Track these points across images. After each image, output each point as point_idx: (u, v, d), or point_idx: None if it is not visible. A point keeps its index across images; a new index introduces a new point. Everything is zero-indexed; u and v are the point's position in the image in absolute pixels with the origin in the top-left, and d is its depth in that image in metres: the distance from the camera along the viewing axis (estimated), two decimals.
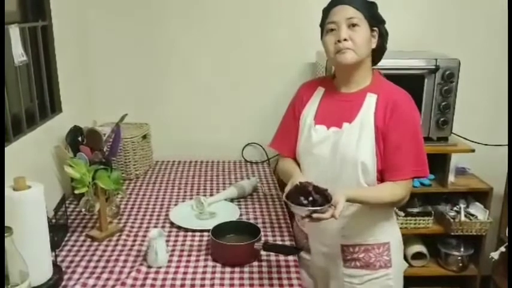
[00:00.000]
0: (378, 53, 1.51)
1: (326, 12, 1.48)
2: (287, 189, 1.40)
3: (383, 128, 1.44)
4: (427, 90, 2.16)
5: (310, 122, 1.54)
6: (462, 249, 2.42)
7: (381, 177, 1.47)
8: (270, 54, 2.44)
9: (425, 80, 2.15)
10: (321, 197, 1.33)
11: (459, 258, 2.41)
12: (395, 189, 1.45)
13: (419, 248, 2.44)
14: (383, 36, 1.49)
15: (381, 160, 1.44)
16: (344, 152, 1.46)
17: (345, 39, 1.41)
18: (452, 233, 2.31)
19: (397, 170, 1.44)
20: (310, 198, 1.32)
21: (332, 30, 1.44)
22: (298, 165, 1.60)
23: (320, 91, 1.58)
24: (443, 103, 2.16)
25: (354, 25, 1.41)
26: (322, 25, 1.50)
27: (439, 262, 2.46)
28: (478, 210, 2.33)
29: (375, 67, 1.54)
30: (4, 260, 1.13)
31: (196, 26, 2.40)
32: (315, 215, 1.30)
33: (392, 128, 1.43)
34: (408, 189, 1.47)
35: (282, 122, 1.68)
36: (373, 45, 1.47)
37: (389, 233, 1.57)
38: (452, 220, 2.29)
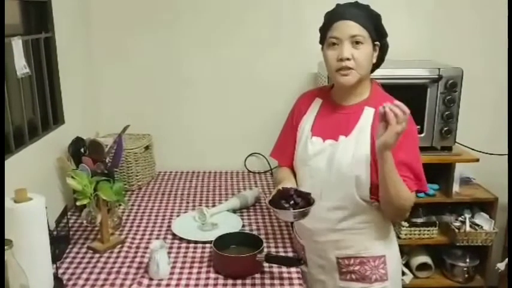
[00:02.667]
0: (375, 66, 1.50)
1: (329, 23, 1.44)
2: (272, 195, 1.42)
3: None
4: (430, 99, 2.15)
5: (307, 134, 1.54)
6: (468, 260, 2.40)
7: (376, 192, 1.43)
8: (273, 64, 2.44)
9: (428, 90, 2.14)
10: (302, 200, 1.35)
11: (465, 269, 2.39)
12: (408, 192, 1.40)
13: (424, 258, 2.42)
14: (384, 50, 1.48)
15: (376, 174, 1.40)
16: (339, 165, 1.45)
17: (348, 59, 1.39)
18: (458, 244, 2.29)
19: None
20: (292, 202, 1.35)
21: (334, 44, 1.42)
22: (295, 174, 1.60)
23: (318, 102, 1.58)
24: (447, 112, 2.15)
25: (357, 42, 1.39)
26: (323, 34, 1.47)
27: (445, 273, 2.44)
28: (483, 220, 2.31)
29: (373, 76, 1.53)
30: (4, 270, 1.12)
31: (199, 37, 2.41)
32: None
33: None
34: (413, 201, 1.43)
35: (281, 132, 1.68)
36: (374, 60, 1.46)
37: (385, 246, 1.55)
38: (457, 230, 2.27)
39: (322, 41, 1.48)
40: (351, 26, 1.39)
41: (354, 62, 1.39)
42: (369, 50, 1.42)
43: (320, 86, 2.16)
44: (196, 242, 1.72)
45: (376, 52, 1.45)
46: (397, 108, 1.24)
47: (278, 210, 1.36)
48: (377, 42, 1.44)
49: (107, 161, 1.97)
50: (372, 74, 1.51)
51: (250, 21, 2.40)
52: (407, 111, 1.25)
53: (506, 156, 2.41)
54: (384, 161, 1.32)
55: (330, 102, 1.55)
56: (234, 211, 1.99)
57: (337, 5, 1.46)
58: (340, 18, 1.40)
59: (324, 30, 1.46)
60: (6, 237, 1.22)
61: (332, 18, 1.44)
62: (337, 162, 1.45)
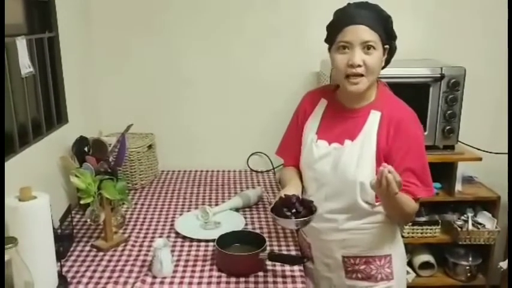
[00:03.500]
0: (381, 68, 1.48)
1: (339, 25, 1.39)
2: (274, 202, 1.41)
3: (385, 148, 1.41)
4: (432, 98, 2.15)
5: (312, 136, 1.53)
6: (470, 259, 2.41)
7: None
8: (275, 63, 2.44)
9: (431, 89, 2.15)
10: (304, 209, 1.34)
11: (467, 267, 2.39)
12: (413, 202, 1.42)
13: (426, 257, 2.42)
14: (391, 52, 1.45)
15: None
16: (344, 170, 1.44)
17: (359, 65, 1.36)
18: (460, 242, 2.29)
19: (405, 192, 1.39)
20: (294, 210, 1.34)
21: (344, 47, 1.38)
22: (301, 174, 1.60)
23: (323, 103, 1.56)
24: (449, 111, 2.15)
25: (368, 47, 1.36)
26: (332, 35, 1.42)
27: (447, 272, 2.44)
28: (485, 219, 2.31)
29: (381, 75, 1.52)
30: (4, 266, 1.13)
31: (200, 36, 2.41)
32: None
33: (397, 149, 1.40)
34: (417, 207, 1.44)
35: (287, 131, 1.68)
36: (383, 64, 1.43)
37: (391, 246, 1.55)
38: (459, 229, 2.28)
39: (330, 41, 1.44)
40: (363, 30, 1.35)
41: (364, 68, 1.36)
42: (380, 54, 1.39)
43: (323, 85, 2.16)
44: (199, 241, 1.72)
45: (384, 56, 1.43)
46: (383, 180, 1.22)
47: (280, 218, 1.35)
48: (386, 46, 1.41)
49: (110, 160, 1.98)
50: None
51: (252, 21, 2.40)
52: (390, 183, 1.21)
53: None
54: (384, 202, 1.35)
55: (335, 104, 1.53)
56: (237, 210, 2.00)
57: (348, 4, 1.42)
58: (351, 23, 1.36)
59: (333, 31, 1.42)
60: (11, 235, 1.23)
61: (342, 21, 1.39)
62: (342, 166, 1.45)
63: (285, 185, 1.54)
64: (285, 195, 1.39)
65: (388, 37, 1.41)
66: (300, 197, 1.40)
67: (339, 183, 1.46)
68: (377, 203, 1.46)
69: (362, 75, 1.37)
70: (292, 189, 1.47)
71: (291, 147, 1.63)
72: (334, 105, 1.54)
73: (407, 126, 1.42)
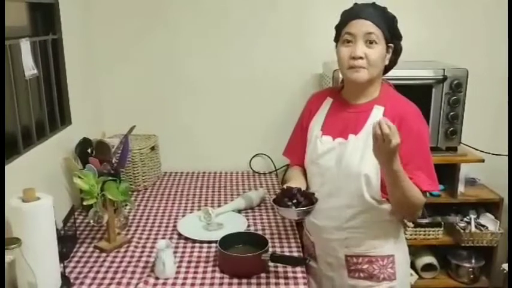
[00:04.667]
0: (387, 68, 1.50)
1: (345, 20, 1.46)
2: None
3: None
4: (435, 100, 2.15)
5: (317, 133, 1.55)
6: (473, 261, 2.40)
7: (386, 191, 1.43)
8: (277, 65, 2.44)
9: (433, 90, 2.15)
10: (305, 199, 1.39)
11: (470, 269, 2.38)
12: (420, 193, 1.41)
13: (429, 259, 2.42)
14: (397, 53, 1.48)
15: None
16: (348, 164, 1.45)
17: (360, 57, 1.40)
18: (463, 244, 2.29)
19: None
20: (295, 201, 1.39)
21: (348, 41, 1.43)
22: (306, 174, 1.61)
23: (328, 101, 1.59)
24: (452, 113, 2.15)
25: (371, 41, 1.40)
26: (338, 31, 1.48)
27: (450, 274, 2.44)
28: (488, 221, 2.31)
29: (384, 77, 1.54)
30: (4, 264, 1.14)
31: (203, 38, 2.42)
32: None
33: (400, 143, 1.38)
34: (424, 201, 1.44)
35: (293, 132, 1.71)
36: (386, 62, 1.47)
37: (394, 246, 1.55)
38: (462, 231, 2.27)
39: (337, 38, 1.49)
40: (366, 24, 1.40)
41: (366, 61, 1.40)
42: (382, 50, 1.42)
43: (325, 87, 2.17)
44: (201, 242, 1.73)
45: (389, 54, 1.46)
46: (378, 128, 1.23)
47: (281, 208, 1.39)
48: (391, 44, 1.45)
49: (113, 161, 1.98)
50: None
51: (254, 22, 2.41)
52: (386, 131, 1.22)
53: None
54: (386, 173, 1.33)
55: (341, 101, 1.56)
56: (239, 211, 2.00)
57: (355, 4, 1.48)
58: (356, 17, 1.42)
59: (340, 27, 1.48)
60: (14, 236, 1.24)
61: (348, 16, 1.45)
62: (346, 160, 1.46)
63: (287, 181, 1.56)
64: (287, 186, 1.43)
65: (392, 36, 1.45)
66: (301, 189, 1.43)
67: (343, 177, 1.47)
68: (383, 199, 1.46)
69: (363, 68, 1.41)
70: (294, 183, 1.50)
71: (296, 148, 1.65)
72: (339, 102, 1.57)
73: (410, 121, 1.44)
